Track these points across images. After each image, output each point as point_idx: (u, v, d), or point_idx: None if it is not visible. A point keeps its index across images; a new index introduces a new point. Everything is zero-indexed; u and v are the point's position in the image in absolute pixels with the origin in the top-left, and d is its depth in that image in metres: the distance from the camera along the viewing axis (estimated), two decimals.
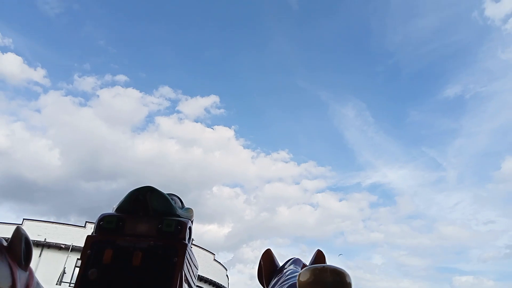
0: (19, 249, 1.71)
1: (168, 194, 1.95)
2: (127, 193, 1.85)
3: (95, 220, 1.85)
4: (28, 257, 1.75)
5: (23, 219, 23.66)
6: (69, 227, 24.20)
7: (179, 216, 1.88)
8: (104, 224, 1.77)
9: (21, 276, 1.69)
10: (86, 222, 24.44)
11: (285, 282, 1.54)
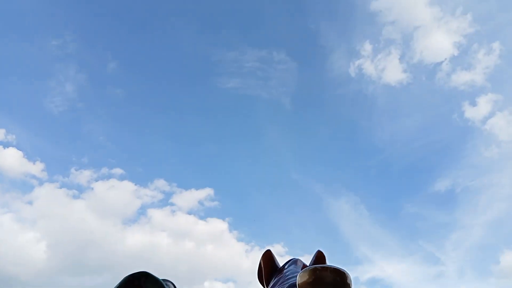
0: None
1: (162, 279, 1.97)
2: (121, 278, 1.87)
3: None
4: None
5: None
6: None
7: None
8: None
9: None
10: None
11: (285, 282, 1.52)
